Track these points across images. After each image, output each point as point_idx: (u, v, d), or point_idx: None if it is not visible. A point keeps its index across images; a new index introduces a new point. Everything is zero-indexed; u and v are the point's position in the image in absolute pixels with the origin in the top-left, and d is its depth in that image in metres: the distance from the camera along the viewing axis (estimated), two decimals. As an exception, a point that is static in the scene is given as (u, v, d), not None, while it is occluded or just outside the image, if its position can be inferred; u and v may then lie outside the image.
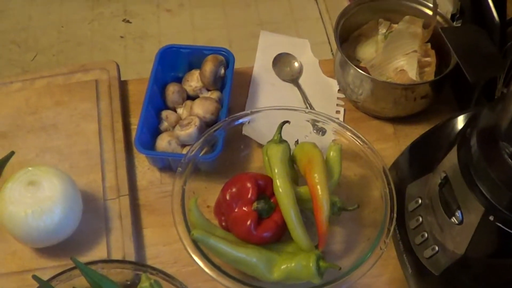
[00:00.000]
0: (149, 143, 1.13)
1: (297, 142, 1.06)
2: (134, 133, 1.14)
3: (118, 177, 1.12)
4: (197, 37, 2.63)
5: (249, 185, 0.97)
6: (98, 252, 1.04)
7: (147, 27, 2.74)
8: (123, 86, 1.27)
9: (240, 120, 1.07)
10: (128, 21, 2.77)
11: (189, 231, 0.94)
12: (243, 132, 1.09)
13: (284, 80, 1.27)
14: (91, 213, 1.08)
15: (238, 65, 1.28)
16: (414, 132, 1.15)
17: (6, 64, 2.64)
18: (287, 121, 1.03)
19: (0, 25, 2.79)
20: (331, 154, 1.03)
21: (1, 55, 2.67)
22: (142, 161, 1.16)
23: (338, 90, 1.25)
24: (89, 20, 2.80)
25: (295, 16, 2.75)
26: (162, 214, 1.09)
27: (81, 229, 1.05)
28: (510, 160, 0.79)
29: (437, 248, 0.93)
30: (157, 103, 1.18)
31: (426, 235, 0.95)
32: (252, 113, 1.07)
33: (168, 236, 0.99)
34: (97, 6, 2.84)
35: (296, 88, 1.25)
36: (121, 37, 2.71)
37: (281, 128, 1.03)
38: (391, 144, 1.18)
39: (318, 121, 1.09)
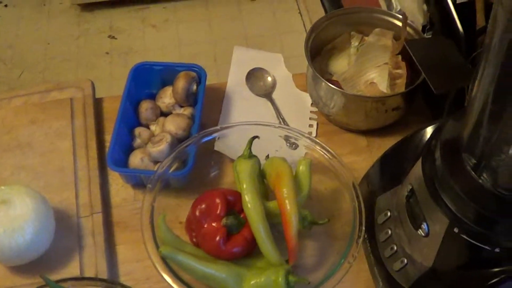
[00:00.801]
0: (122, 160, 1.13)
1: (267, 156, 1.06)
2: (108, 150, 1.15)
3: (91, 195, 1.12)
4: (182, 52, 2.64)
5: (218, 201, 0.98)
6: (71, 270, 1.04)
7: (133, 43, 2.75)
8: (98, 103, 1.27)
9: (210, 136, 1.07)
10: (113, 37, 2.78)
11: (158, 248, 0.94)
12: (214, 148, 1.10)
13: (257, 95, 1.27)
14: (65, 230, 1.08)
15: (222, 79, 1.30)
16: (387, 144, 1.15)
17: (-7, 82, 2.65)
18: (257, 137, 1.04)
19: (-14, 43, 2.81)
20: (301, 168, 1.03)
21: (-12, 73, 2.69)
22: (116, 178, 1.16)
23: (311, 103, 1.25)
24: (75, 36, 2.81)
25: (280, 29, 2.77)
26: (135, 231, 1.08)
27: (55, 246, 1.05)
28: (473, 172, 0.79)
29: (406, 260, 0.93)
30: (131, 120, 1.19)
31: (395, 247, 0.95)
32: (222, 128, 1.08)
33: (141, 253, 0.99)
34: (83, 23, 2.86)
35: (269, 103, 1.26)
36: (107, 53, 2.72)
37: (251, 143, 1.03)
38: (364, 157, 1.18)
39: (290, 136, 1.09)
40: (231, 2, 2.89)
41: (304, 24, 2.78)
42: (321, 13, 2.39)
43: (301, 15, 2.81)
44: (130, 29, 2.81)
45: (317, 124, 1.23)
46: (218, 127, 1.08)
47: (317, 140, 1.06)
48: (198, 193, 1.03)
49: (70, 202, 1.12)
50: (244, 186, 0.98)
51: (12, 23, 2.89)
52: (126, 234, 1.10)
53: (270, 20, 2.81)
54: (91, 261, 1.05)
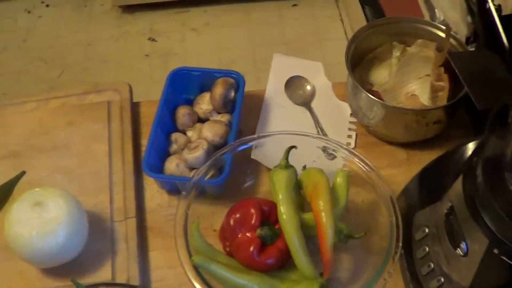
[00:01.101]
0: (158, 166, 1.13)
1: (304, 167, 1.04)
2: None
3: (126, 199, 1.12)
4: (221, 56, 2.63)
5: (253, 211, 0.96)
6: (103, 274, 1.04)
7: (173, 46, 2.75)
8: (135, 107, 1.27)
9: (247, 144, 1.06)
10: (153, 40, 2.79)
11: (190, 256, 0.94)
12: (251, 156, 1.08)
13: (296, 104, 1.26)
14: (98, 234, 1.07)
15: (261, 85, 1.29)
16: (427, 157, 1.13)
17: (33, 81, 2.67)
18: (294, 146, 1.02)
19: (28, 42, 2.83)
20: (338, 180, 1.02)
21: (29, 71, 2.71)
22: (150, 183, 1.16)
23: (351, 114, 1.23)
24: (115, 38, 2.82)
25: (321, 36, 2.75)
26: (169, 237, 1.07)
27: (88, 250, 1.05)
28: (515, 192, 0.77)
29: (442, 279, 0.92)
30: (167, 125, 1.18)
31: (432, 265, 0.93)
32: (259, 137, 1.07)
33: (174, 260, 0.98)
34: (123, 25, 2.87)
35: (308, 112, 1.24)
36: (147, 55, 2.73)
37: (288, 153, 1.02)
38: (403, 170, 1.16)
39: (327, 147, 1.07)
40: (272, 7, 2.87)
41: (345, 31, 2.75)
42: (362, 20, 2.37)
43: (342, 22, 2.79)
44: (170, 32, 2.82)
45: (356, 135, 1.21)
46: (255, 136, 1.07)
47: (355, 152, 1.04)
48: (234, 201, 1.02)
49: (104, 205, 1.11)
50: (280, 196, 0.97)
51: (53, 23, 2.91)
52: (160, 240, 1.10)
53: (311, 26, 2.79)
54: (123, 266, 1.04)
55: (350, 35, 2.69)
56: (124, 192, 1.13)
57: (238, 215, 0.97)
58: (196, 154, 1.10)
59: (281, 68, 1.31)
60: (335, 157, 1.08)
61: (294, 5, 2.89)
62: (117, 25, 2.87)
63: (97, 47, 2.79)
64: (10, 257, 1.03)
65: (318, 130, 1.20)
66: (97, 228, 1.08)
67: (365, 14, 1.21)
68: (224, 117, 1.18)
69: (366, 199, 1.05)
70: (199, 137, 1.14)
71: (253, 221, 0.96)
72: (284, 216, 0.95)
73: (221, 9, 2.88)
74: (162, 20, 2.86)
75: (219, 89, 1.17)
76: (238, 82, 1.20)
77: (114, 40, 2.81)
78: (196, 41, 2.77)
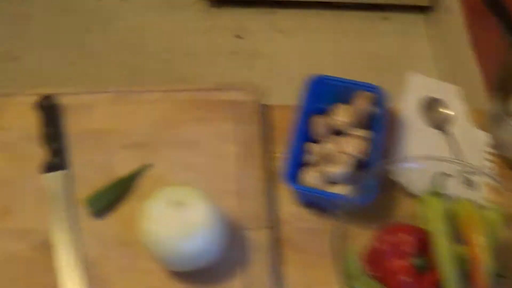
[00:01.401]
0: (294, 176, 1.09)
1: (450, 196, 1.01)
2: (276, 162, 1.13)
3: (258, 207, 1.08)
4: (309, 62, 2.58)
5: (409, 238, 0.93)
6: (234, 285, 1.01)
7: (259, 46, 2.72)
8: (265, 110, 1.24)
9: (397, 165, 1.03)
10: (240, 37, 2.76)
11: (345, 279, 0.90)
12: (393, 178, 1.05)
13: (431, 127, 1.22)
14: (229, 241, 1.03)
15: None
16: None
17: (115, 66, 2.65)
18: (448, 174, 0.99)
19: (111, 26, 2.82)
20: (491, 215, 0.98)
21: (110, 55, 2.70)
22: (282, 193, 1.12)
23: (489, 144, 1.19)
24: (201, 31, 2.79)
25: (409, 53, 2.69)
26: (304, 253, 1.04)
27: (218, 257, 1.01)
28: None
29: None
30: (303, 134, 1.14)
31: None
32: (409, 160, 1.03)
33: (311, 278, 0.94)
34: (210, 18, 2.84)
35: (443, 136, 1.20)
36: (232, 52, 2.70)
37: (442, 180, 0.98)
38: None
39: (470, 174, 1.03)
40: (361, 17, 2.82)
41: (432, 49, 2.69)
42: (455, 41, 2.32)
43: (429, 39, 2.73)
44: (257, 31, 2.78)
45: (494, 167, 1.17)
46: (406, 157, 1.04)
47: (503, 183, 1.00)
48: (373, 222, 1.00)
49: (234, 211, 1.08)
50: (437, 226, 0.94)
51: (138, 8, 2.89)
52: (294, 255, 1.05)
53: (399, 42, 2.74)
54: (255, 279, 1.01)
55: (440, 55, 2.65)
56: (256, 199, 1.09)
57: (391, 240, 0.95)
58: (339, 169, 1.06)
59: (416, 88, 1.27)
60: (474, 186, 1.04)
61: (385, 18, 2.84)
62: (203, 18, 2.84)
63: (182, 39, 2.76)
64: (138, 254, 1.02)
65: (456, 157, 1.16)
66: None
67: (505, 39, 1.17)
68: (364, 133, 1.13)
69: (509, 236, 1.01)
70: (340, 150, 1.10)
71: (408, 249, 0.93)
72: (442, 248, 0.92)
73: (310, 14, 2.83)
74: (250, 18, 2.82)
75: (363, 103, 1.13)
76: (378, 97, 1.16)
77: (200, 33, 2.78)
78: (283, 44, 2.73)
